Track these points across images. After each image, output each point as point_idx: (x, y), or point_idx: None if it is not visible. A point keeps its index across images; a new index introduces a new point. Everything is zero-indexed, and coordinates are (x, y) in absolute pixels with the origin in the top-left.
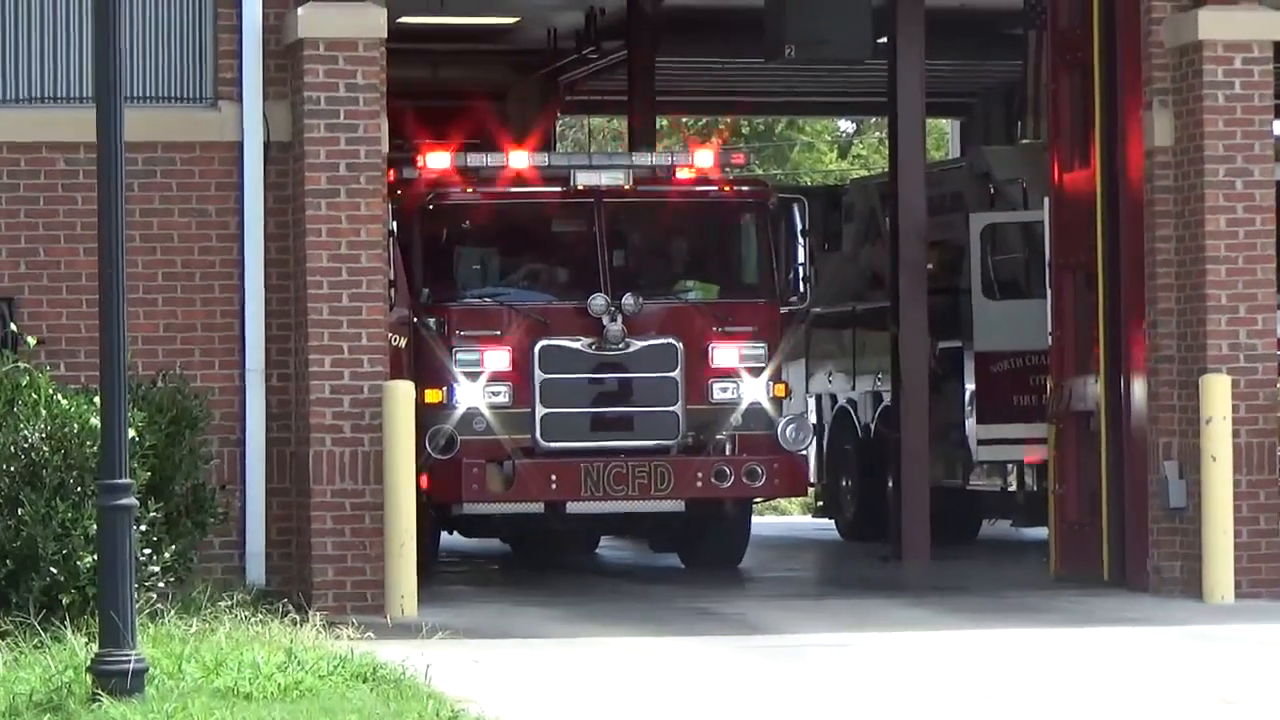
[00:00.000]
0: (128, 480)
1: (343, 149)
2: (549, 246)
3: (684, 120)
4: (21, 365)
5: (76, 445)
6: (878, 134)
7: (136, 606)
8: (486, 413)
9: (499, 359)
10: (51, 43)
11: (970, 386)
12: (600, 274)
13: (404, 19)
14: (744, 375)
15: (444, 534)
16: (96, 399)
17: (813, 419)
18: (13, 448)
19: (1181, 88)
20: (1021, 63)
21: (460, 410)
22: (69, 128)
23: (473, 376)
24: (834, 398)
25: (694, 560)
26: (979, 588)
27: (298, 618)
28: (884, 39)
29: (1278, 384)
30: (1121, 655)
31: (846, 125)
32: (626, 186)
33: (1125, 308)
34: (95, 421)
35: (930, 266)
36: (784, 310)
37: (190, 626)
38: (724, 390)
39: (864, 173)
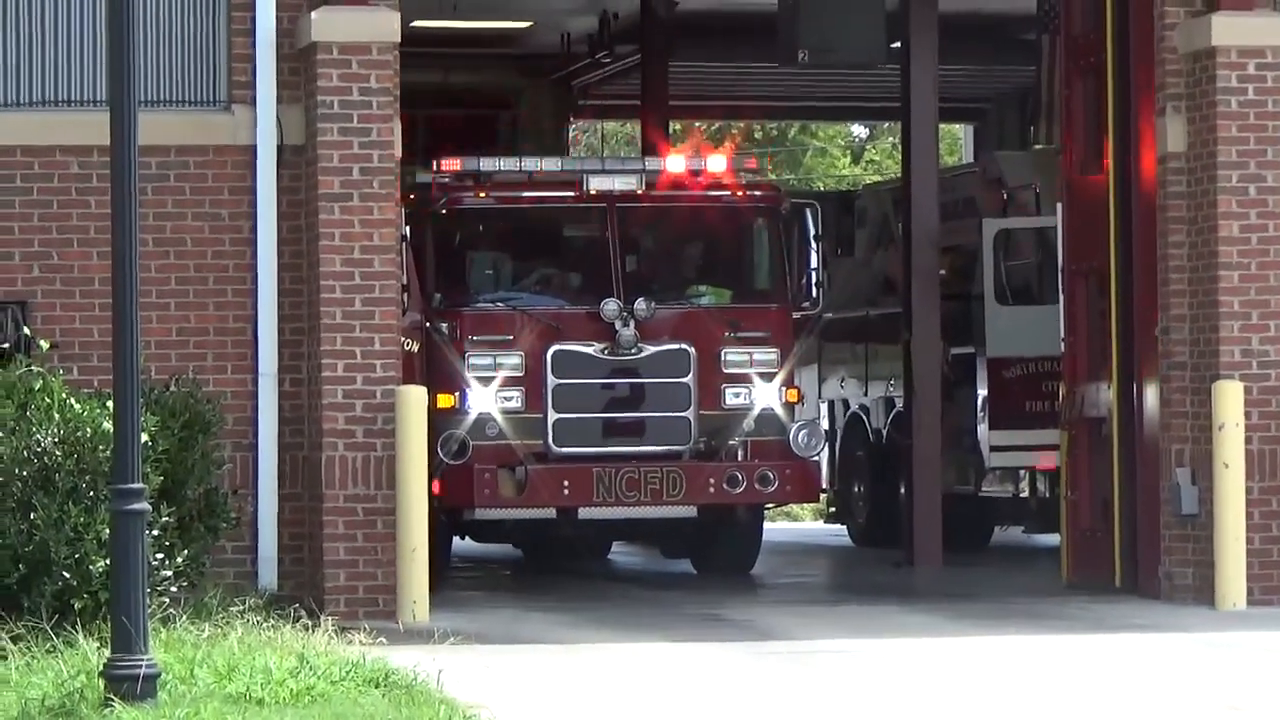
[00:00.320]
0: (140, 485)
1: (356, 153)
2: (561, 251)
3: (697, 124)
4: (35, 369)
5: (89, 449)
6: (891, 139)
7: (149, 611)
8: (499, 418)
9: (511, 364)
10: (65, 46)
11: (983, 392)
12: (613, 279)
13: (417, 23)
14: (756, 381)
15: (456, 539)
16: (109, 403)
17: (825, 424)
18: (25, 452)
19: (1195, 93)
20: (1035, 68)
21: (472, 415)
22: (83, 131)
23: (485, 381)
24: (846, 403)
25: (706, 566)
26: (990, 594)
27: (310, 623)
28: (897, 44)
29: None
30: (1132, 662)
31: (860, 130)
32: (639, 191)
33: (1138, 313)
34: (108, 425)
35: (943, 272)
36: (796, 316)
37: (202, 631)
38: (736, 396)
39: (877, 178)
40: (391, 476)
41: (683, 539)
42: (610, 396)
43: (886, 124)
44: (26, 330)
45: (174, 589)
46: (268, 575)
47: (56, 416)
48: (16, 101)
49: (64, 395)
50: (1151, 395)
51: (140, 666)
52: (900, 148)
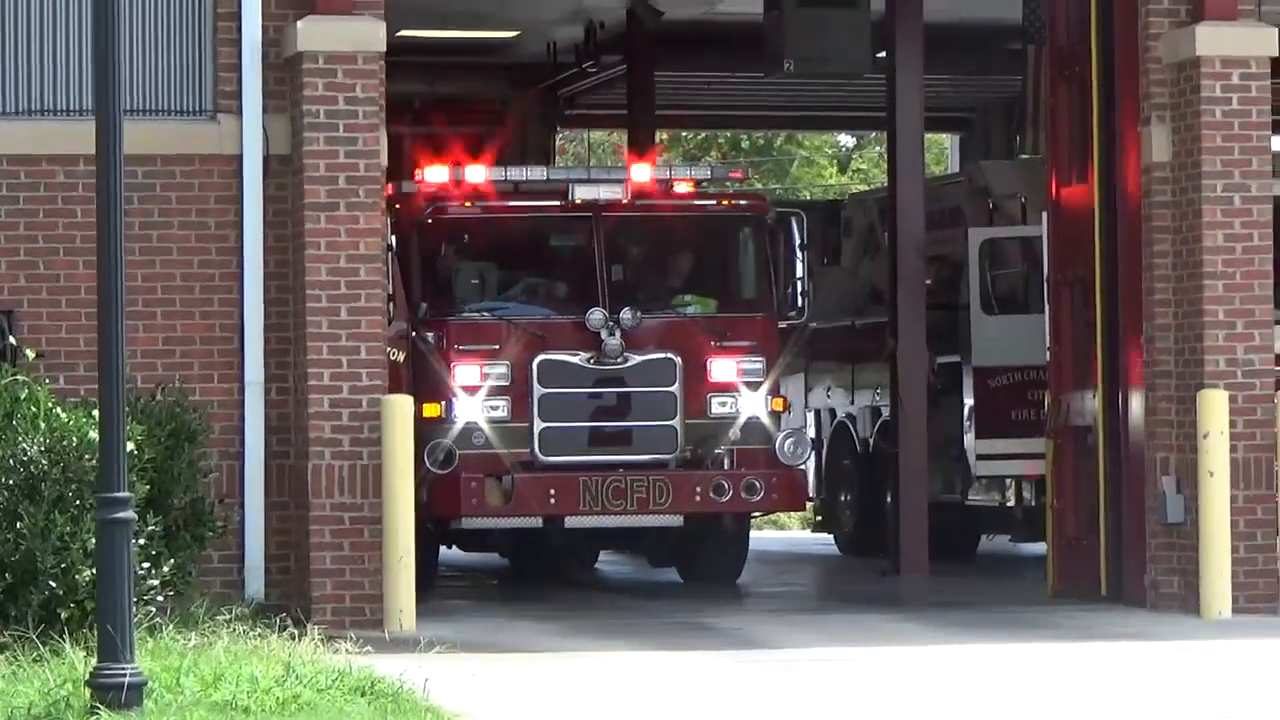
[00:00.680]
0: (126, 494)
1: (342, 162)
2: (547, 261)
3: (683, 134)
4: (20, 378)
5: (75, 458)
6: (878, 149)
7: (135, 620)
8: (485, 427)
9: (497, 373)
10: (52, 55)
11: (969, 401)
12: (599, 288)
13: (403, 32)
14: (742, 390)
15: (443, 548)
16: (95, 412)
17: (811, 433)
18: (11, 461)
19: (1179, 103)
20: (1020, 78)
21: (459, 425)
22: (69, 140)
23: (471, 391)
24: (833, 412)
25: (692, 575)
26: (977, 603)
27: (296, 632)
28: (883, 54)
29: (1275, 399)
30: (1117, 671)
31: (846, 140)
32: (624, 201)
33: (1123, 323)
34: (94, 434)
35: (929, 281)
36: (782, 325)
37: (188, 640)
38: (722, 405)
39: (863, 187)
40: (378, 485)
41: (669, 548)
42: (596, 406)
43: (873, 133)
44: (12, 339)
45: (160, 598)
46: (254, 584)
47: (43, 425)
48: (3, 111)
49: (50, 404)
50: (1137, 404)
51: (126, 675)
52: (886, 157)
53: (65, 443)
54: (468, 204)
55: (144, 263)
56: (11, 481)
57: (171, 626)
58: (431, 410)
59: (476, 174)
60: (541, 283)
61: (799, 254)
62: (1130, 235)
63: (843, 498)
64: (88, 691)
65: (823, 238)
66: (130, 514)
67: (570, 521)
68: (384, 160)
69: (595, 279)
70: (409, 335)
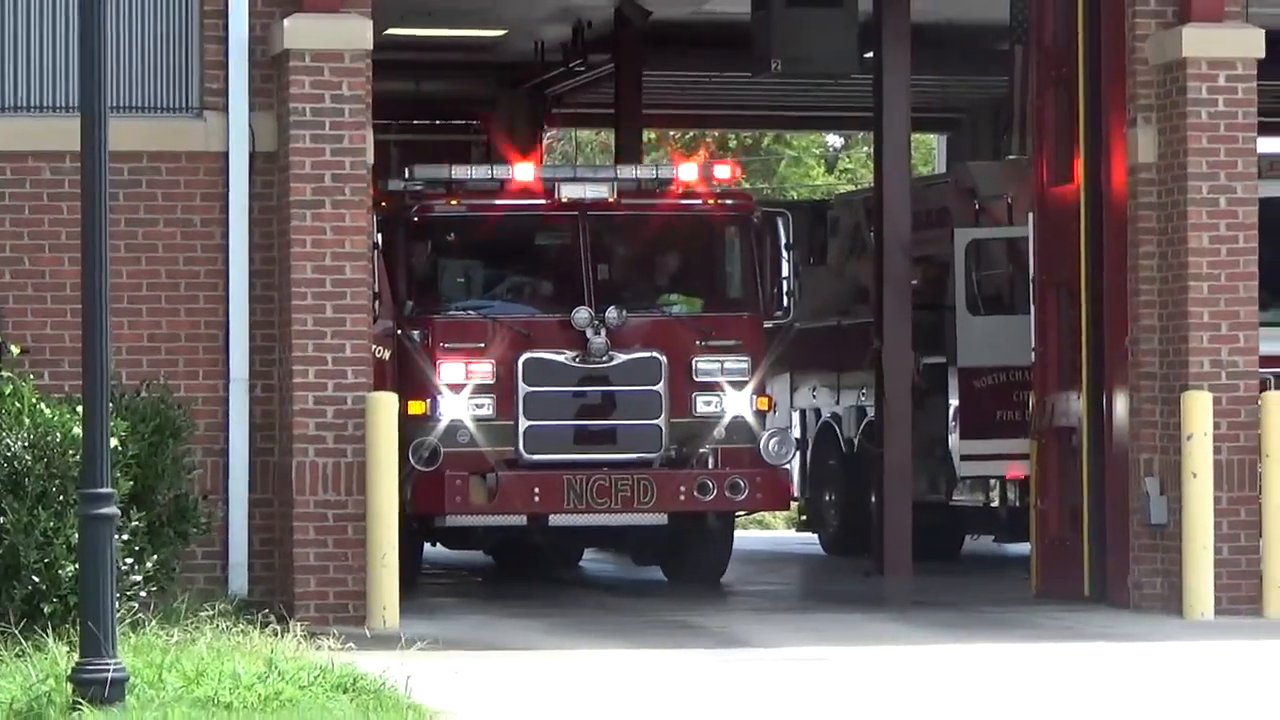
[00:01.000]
0: (110, 489)
1: (328, 160)
2: (533, 259)
3: (671, 134)
4: (5, 374)
5: (59, 454)
6: (865, 148)
7: (118, 616)
8: (470, 425)
9: (482, 371)
10: (38, 52)
11: (954, 402)
12: (584, 287)
13: (390, 31)
14: (727, 389)
15: (427, 546)
16: (79, 408)
17: (796, 433)
18: None
19: (1165, 104)
20: (1007, 78)
21: (444, 422)
22: (55, 137)
23: (456, 389)
24: (818, 412)
25: (677, 574)
26: (960, 603)
27: (279, 628)
28: (870, 54)
29: (1258, 401)
30: (1100, 672)
31: (834, 139)
32: (611, 200)
33: (1108, 324)
34: (78, 430)
35: (915, 281)
36: (768, 324)
37: (171, 636)
38: (707, 404)
39: (850, 187)
40: (362, 482)
41: (654, 547)
42: (581, 404)
43: (861, 133)
44: None
45: (143, 594)
46: (238, 580)
47: (27, 421)
48: None
49: (34, 400)
50: (1121, 405)
51: (108, 671)
52: (873, 157)
53: (49, 438)
54: (454, 202)
55: (129, 259)
56: None
57: (154, 622)
58: (416, 408)
59: (463, 172)
60: (527, 281)
61: (785, 254)
62: (1115, 236)
63: (827, 497)
64: (70, 687)
65: (809, 238)
66: (113, 510)
67: (554, 520)
68: (370, 158)
69: (581, 278)
70: (394, 333)
